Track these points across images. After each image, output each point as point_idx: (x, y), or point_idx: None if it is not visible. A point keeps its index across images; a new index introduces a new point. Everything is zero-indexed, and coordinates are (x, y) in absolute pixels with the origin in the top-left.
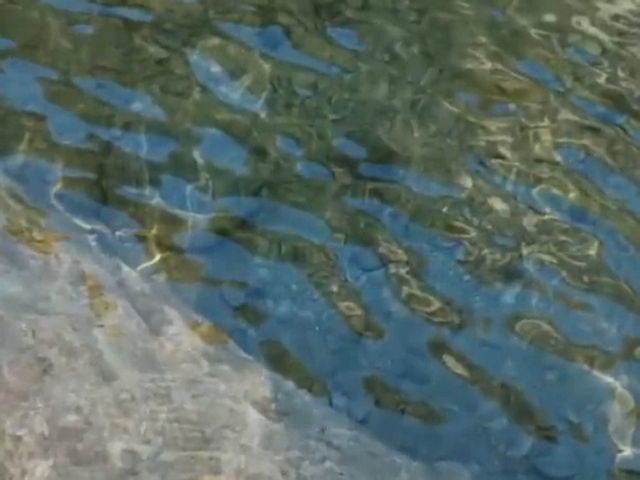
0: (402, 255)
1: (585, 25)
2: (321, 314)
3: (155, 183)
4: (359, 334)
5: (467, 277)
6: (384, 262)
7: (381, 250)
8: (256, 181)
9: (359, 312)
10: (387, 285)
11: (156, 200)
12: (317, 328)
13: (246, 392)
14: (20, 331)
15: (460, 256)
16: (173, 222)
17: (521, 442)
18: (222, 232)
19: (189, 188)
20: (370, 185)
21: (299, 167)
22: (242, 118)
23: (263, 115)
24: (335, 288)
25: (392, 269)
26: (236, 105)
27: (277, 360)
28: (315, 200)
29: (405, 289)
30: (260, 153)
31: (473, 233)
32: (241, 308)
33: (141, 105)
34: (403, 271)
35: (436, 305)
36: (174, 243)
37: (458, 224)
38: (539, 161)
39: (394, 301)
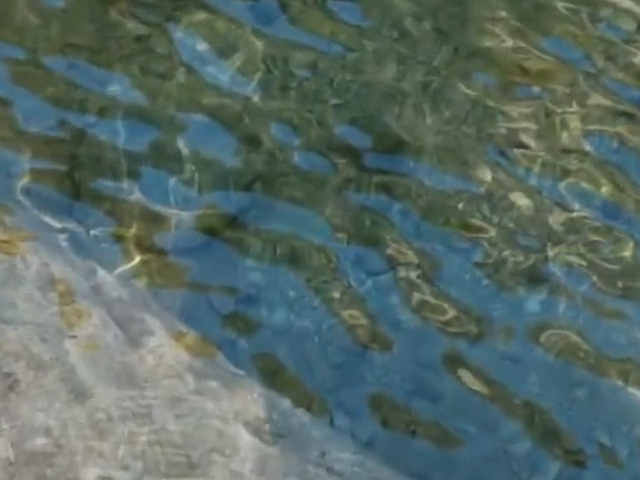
0: (413, 257)
1: None
2: (321, 323)
3: (134, 176)
4: (364, 346)
5: (486, 282)
6: (392, 265)
7: (389, 251)
8: (248, 174)
9: (364, 321)
10: (396, 291)
11: (135, 195)
12: (317, 339)
13: (237, 411)
14: None
15: (478, 258)
16: (154, 220)
17: (547, 468)
18: (210, 231)
19: (172, 181)
20: (376, 178)
21: (296, 158)
22: (232, 102)
23: (256, 99)
24: (337, 294)
25: (401, 273)
26: (225, 88)
27: (272, 375)
28: (314, 195)
29: (416, 295)
30: (252, 142)
31: (493, 232)
32: (231, 317)
33: (118, 88)
34: (414, 275)
35: (451, 313)
36: (156, 243)
37: (476, 222)
38: (567, 151)
39: (403, 309)
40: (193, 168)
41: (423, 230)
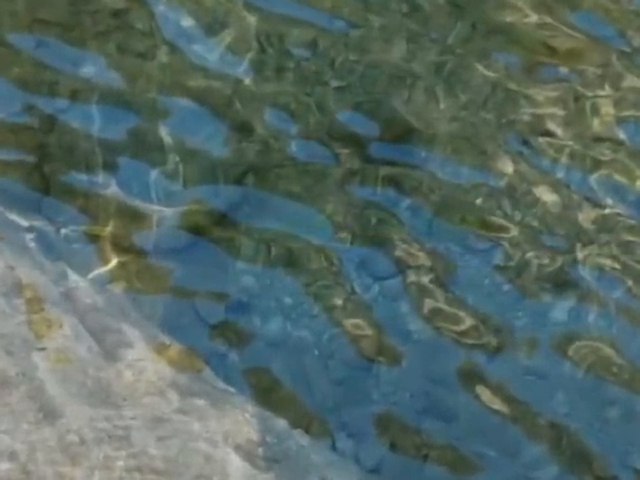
0: (424, 259)
1: None
2: (321, 334)
3: (111, 168)
4: (370, 359)
5: (507, 287)
6: (401, 268)
7: (397, 253)
8: (239, 165)
9: (369, 332)
10: (405, 297)
11: (112, 189)
12: (316, 352)
13: (226, 433)
14: None
15: (498, 260)
16: (133, 217)
17: None
18: (196, 230)
19: (154, 174)
20: (383, 170)
21: (293, 147)
22: (221, 85)
23: (248, 81)
24: (339, 301)
25: (411, 277)
26: (214, 69)
27: (266, 393)
28: (314, 189)
29: (428, 302)
30: (244, 130)
31: (515, 231)
32: (220, 326)
33: (93, 69)
34: (425, 279)
35: (467, 323)
36: (135, 244)
37: (496, 220)
38: (598, 140)
39: (414, 317)
40: (177, 159)
41: (436, 229)
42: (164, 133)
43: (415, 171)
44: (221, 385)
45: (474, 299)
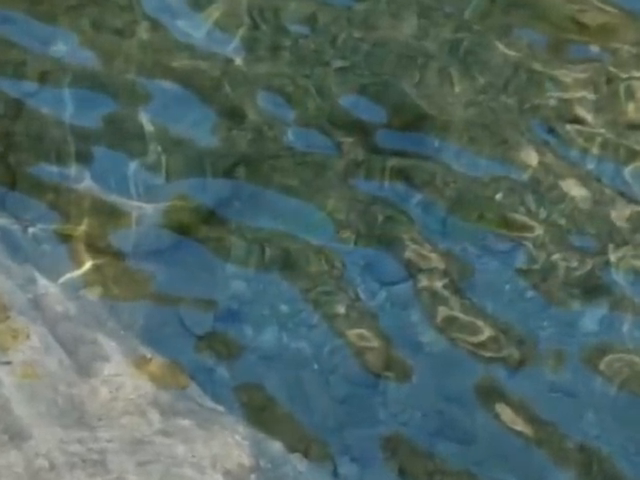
0: (437, 262)
1: None
2: (322, 346)
3: (84, 159)
4: (376, 375)
5: (531, 293)
6: (412, 272)
7: (407, 255)
8: (229, 156)
9: (376, 343)
10: (416, 305)
11: (86, 183)
12: (316, 366)
13: (214, 457)
14: None
15: (521, 263)
16: (110, 215)
17: None
18: (181, 229)
19: (133, 166)
20: (392, 162)
21: (290, 136)
22: (208, 66)
23: (239, 61)
24: (342, 309)
25: (423, 282)
26: (200, 47)
27: (259, 412)
28: (313, 183)
29: (442, 310)
30: (235, 116)
31: (539, 230)
32: (208, 337)
33: (64, 47)
34: (439, 284)
35: (486, 333)
36: (112, 244)
37: (518, 217)
38: (633, 127)
39: (426, 327)
40: (159, 149)
41: (450, 228)
42: (145, 120)
43: (427, 162)
44: (209, 403)
45: (493, 307)
